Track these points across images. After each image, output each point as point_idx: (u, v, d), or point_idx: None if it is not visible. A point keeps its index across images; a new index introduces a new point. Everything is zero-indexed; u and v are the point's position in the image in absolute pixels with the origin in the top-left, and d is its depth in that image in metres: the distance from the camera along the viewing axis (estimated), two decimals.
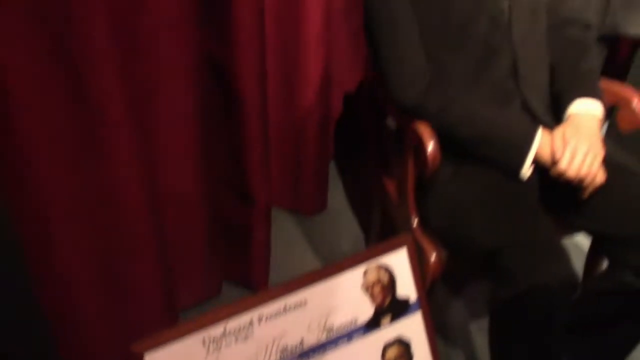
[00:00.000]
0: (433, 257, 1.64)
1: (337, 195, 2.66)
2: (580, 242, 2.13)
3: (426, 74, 1.60)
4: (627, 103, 1.71)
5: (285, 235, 2.44)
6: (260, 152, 1.99)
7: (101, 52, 1.48)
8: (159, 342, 1.27)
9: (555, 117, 1.66)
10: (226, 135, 1.97)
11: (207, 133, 1.91)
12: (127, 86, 1.50)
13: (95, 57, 1.48)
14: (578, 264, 1.85)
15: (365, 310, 1.49)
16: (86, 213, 1.52)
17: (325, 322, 1.45)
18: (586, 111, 1.57)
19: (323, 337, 1.45)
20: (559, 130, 1.54)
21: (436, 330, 1.61)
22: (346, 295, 1.47)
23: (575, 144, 1.48)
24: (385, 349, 1.53)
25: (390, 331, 1.53)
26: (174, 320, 1.91)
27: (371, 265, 1.50)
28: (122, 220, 1.59)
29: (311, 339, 1.43)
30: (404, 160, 1.70)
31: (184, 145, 1.81)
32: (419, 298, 1.55)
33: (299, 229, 2.49)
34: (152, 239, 1.68)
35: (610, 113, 1.81)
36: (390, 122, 1.90)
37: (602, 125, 1.61)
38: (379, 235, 2.13)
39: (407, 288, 1.54)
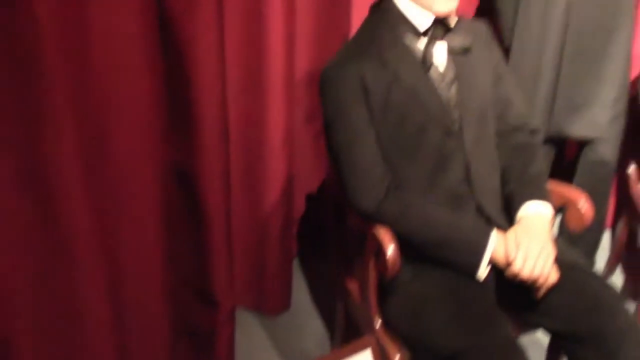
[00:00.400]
0: (396, 359, 1.66)
1: (301, 295, 2.67)
2: (540, 339, 2.17)
3: (384, 180, 1.67)
4: (574, 204, 1.80)
5: (249, 335, 2.43)
6: (225, 256, 2.02)
7: (67, 161, 1.52)
8: None
9: (508, 218, 1.73)
10: (191, 239, 2.00)
11: (172, 238, 1.94)
12: (92, 196, 1.53)
13: (62, 166, 1.52)
14: None
15: None
16: (49, 326, 1.51)
17: None
18: (536, 213, 1.66)
19: None
20: (511, 233, 1.61)
21: None
22: None
23: (528, 245, 1.55)
24: None
25: None
26: None
27: None
28: (85, 336, 1.57)
29: None
30: (366, 262, 1.74)
31: (149, 252, 1.83)
32: None
33: (263, 329, 2.48)
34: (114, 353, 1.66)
35: (560, 213, 1.90)
36: (352, 224, 1.95)
37: (552, 225, 1.69)
38: (343, 335, 2.14)
39: None
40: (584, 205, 1.78)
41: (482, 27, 1.83)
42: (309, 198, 2.61)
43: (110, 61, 1.68)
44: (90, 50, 1.63)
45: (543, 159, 1.88)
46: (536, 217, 1.65)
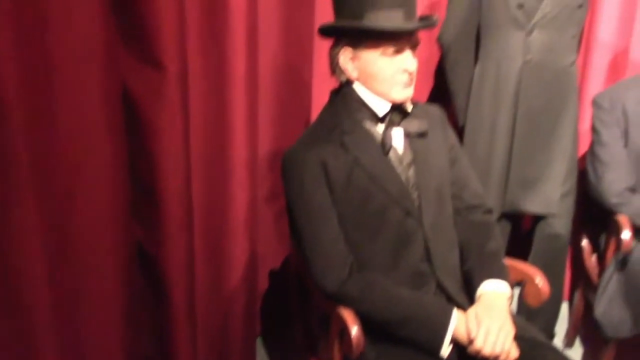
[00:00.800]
0: None
1: None
2: None
3: (347, 261, 1.70)
4: (532, 279, 1.85)
5: None
6: (187, 335, 2.01)
7: (30, 246, 1.52)
8: None
9: (467, 295, 1.78)
10: (153, 319, 1.99)
11: (133, 318, 1.92)
12: (54, 289, 1.52)
13: (25, 252, 1.52)
14: None
15: None
16: None
17: None
18: (495, 291, 1.71)
19: None
20: (472, 310, 1.65)
21: None
22: None
23: (488, 323, 1.59)
24: None
25: None
26: None
27: None
28: None
29: None
30: (330, 342, 1.75)
31: (109, 332, 1.81)
32: None
33: None
34: None
35: (518, 286, 1.95)
36: (316, 303, 1.97)
37: (511, 301, 1.74)
38: None
39: None
40: (540, 281, 1.84)
41: (437, 111, 1.92)
42: (273, 275, 2.62)
43: (74, 146, 1.71)
44: (54, 136, 1.65)
45: (500, 234, 1.94)
46: (495, 295, 1.70)
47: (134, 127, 1.77)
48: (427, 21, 1.72)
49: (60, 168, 1.65)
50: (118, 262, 1.82)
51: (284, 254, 2.61)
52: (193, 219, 1.99)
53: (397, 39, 1.66)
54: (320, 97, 2.40)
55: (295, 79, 2.37)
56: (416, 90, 1.80)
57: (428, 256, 1.75)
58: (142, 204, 1.88)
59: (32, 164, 1.53)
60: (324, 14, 2.29)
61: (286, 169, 1.78)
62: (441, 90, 2.66)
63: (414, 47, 1.71)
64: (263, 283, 2.59)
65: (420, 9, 2.46)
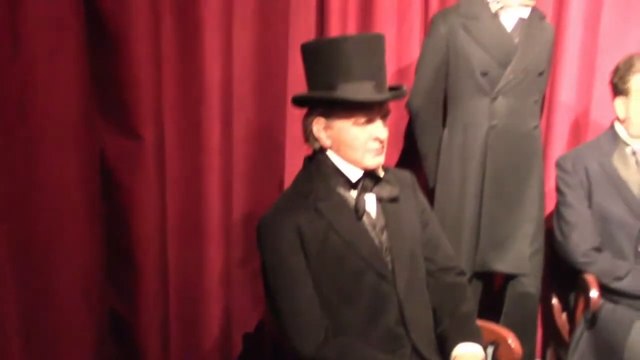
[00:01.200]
0: None
1: None
2: None
3: (322, 325, 1.72)
4: (504, 340, 1.89)
5: None
6: None
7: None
8: None
9: (442, 358, 1.80)
10: None
11: None
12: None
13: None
14: None
15: None
16: None
17: None
18: (469, 353, 1.74)
19: None
20: None
21: None
22: None
23: None
24: None
25: None
26: None
27: None
28: None
29: None
30: None
31: None
32: None
33: None
34: None
35: (491, 346, 1.97)
36: None
37: None
38: None
39: None
40: (513, 342, 1.88)
41: (407, 176, 1.97)
42: (247, 339, 2.60)
43: (50, 214, 1.72)
44: (31, 202, 1.67)
45: (472, 296, 1.98)
46: (469, 357, 1.73)
47: (111, 195, 1.80)
48: (397, 92, 1.79)
49: (37, 236, 1.66)
50: (92, 329, 1.81)
51: (258, 317, 2.61)
52: (168, 285, 1.99)
53: (369, 109, 1.73)
54: (293, 161, 2.45)
55: (268, 144, 2.42)
56: (386, 151, 1.86)
57: (403, 319, 1.78)
58: (118, 270, 1.88)
59: (8, 233, 1.54)
60: (296, 80, 2.36)
61: (262, 236, 1.80)
62: (410, 152, 2.72)
63: (384, 116, 1.78)
64: (237, 346, 2.57)
65: (390, 75, 2.55)
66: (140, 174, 1.77)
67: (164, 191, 1.86)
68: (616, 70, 2.35)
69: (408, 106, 2.52)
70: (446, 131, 2.52)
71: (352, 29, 2.61)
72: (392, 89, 1.83)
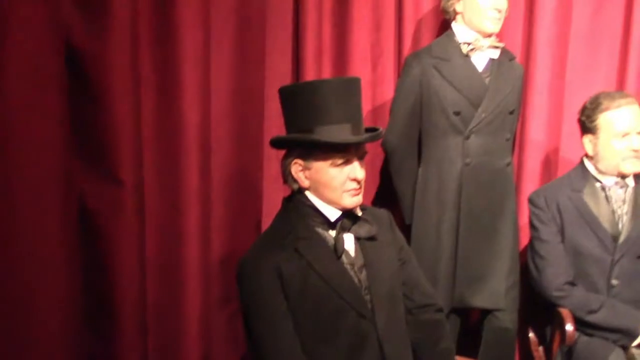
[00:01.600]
0: None
1: None
2: None
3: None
4: None
5: None
6: None
7: None
8: None
9: None
10: None
11: None
12: None
13: None
14: None
15: None
16: None
17: None
18: None
19: None
20: None
21: None
22: None
23: None
24: None
25: None
26: None
27: None
28: None
29: None
30: None
31: None
32: None
33: None
34: None
35: None
36: None
37: None
38: None
39: None
40: None
41: (385, 214, 2.01)
42: None
43: (28, 258, 1.71)
44: (8, 247, 1.66)
45: (450, 332, 2.00)
46: None
47: (91, 240, 1.80)
48: (373, 134, 1.84)
49: (14, 282, 1.65)
50: None
51: (237, 357, 2.59)
52: (148, 329, 1.98)
53: (346, 150, 1.77)
54: (270, 201, 2.48)
55: (246, 185, 2.44)
56: (364, 190, 1.89)
57: (383, 357, 1.79)
58: (96, 316, 1.87)
59: None
60: (273, 122, 2.40)
61: (242, 277, 1.81)
62: (387, 189, 2.76)
63: (361, 157, 1.81)
64: None
65: (364, 114, 2.60)
66: (120, 218, 1.78)
67: (144, 235, 1.87)
68: (583, 109, 2.42)
69: (384, 145, 2.57)
70: (421, 168, 2.57)
71: (327, 70, 2.67)
72: (368, 130, 1.88)
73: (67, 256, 1.77)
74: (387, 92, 2.75)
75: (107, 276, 1.81)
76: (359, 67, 2.69)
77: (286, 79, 2.51)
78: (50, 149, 1.70)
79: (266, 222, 2.37)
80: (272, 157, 2.39)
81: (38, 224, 1.70)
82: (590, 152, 2.41)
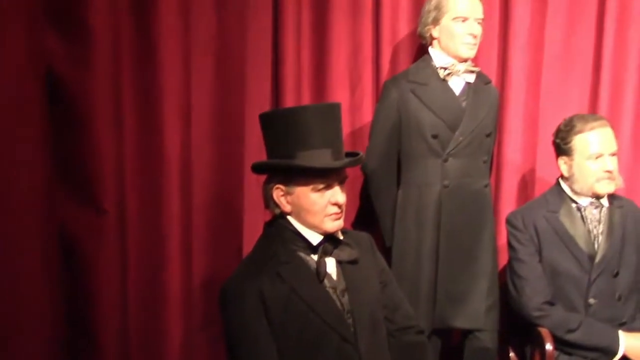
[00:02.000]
0: None
1: None
2: None
3: None
4: None
5: None
6: None
7: None
8: None
9: None
10: None
11: None
12: None
13: None
14: None
15: None
16: None
17: None
18: None
19: None
20: None
21: None
22: None
23: None
24: None
25: None
26: None
27: None
28: None
29: None
30: None
31: None
32: None
33: None
34: None
35: None
36: None
37: None
38: None
39: None
40: None
41: (365, 238, 2.03)
42: None
43: (9, 290, 1.70)
44: None
45: (431, 354, 2.01)
46: None
47: (72, 267, 1.79)
48: (354, 159, 1.86)
49: None
50: None
51: None
52: (130, 356, 1.97)
53: (327, 175, 1.79)
54: (251, 226, 2.49)
55: (227, 210, 2.46)
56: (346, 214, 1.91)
57: None
58: (79, 342, 1.86)
59: None
60: (253, 147, 2.42)
61: (224, 301, 1.82)
62: (367, 212, 2.78)
63: (342, 181, 1.84)
64: None
65: (343, 137, 2.63)
66: (103, 245, 1.78)
67: (126, 261, 1.87)
68: (558, 132, 2.47)
69: (363, 168, 2.59)
70: (401, 191, 2.59)
71: (306, 95, 2.70)
72: (349, 154, 1.90)
73: (49, 284, 1.76)
74: (366, 116, 2.79)
75: (89, 303, 1.80)
76: (338, 92, 2.72)
77: (266, 104, 2.54)
78: (30, 176, 1.70)
79: (247, 246, 2.38)
80: (253, 182, 2.41)
81: (18, 252, 1.69)
82: (565, 174, 2.46)
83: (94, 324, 1.82)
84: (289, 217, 1.86)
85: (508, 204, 2.82)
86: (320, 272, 1.83)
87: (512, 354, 2.62)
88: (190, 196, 2.20)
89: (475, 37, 2.48)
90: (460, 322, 2.55)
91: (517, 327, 2.57)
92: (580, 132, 2.39)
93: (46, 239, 1.71)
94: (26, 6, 1.71)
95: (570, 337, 2.35)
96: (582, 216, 2.46)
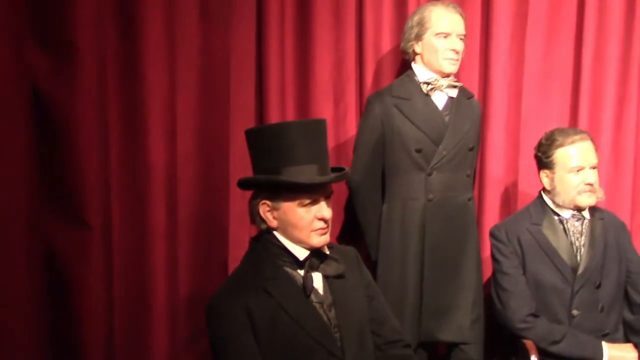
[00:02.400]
0: None
1: None
2: None
3: None
4: None
5: None
6: None
7: None
8: None
9: None
10: None
11: None
12: None
13: None
14: None
15: None
16: None
17: None
18: None
19: None
20: None
21: None
22: None
23: None
24: None
25: None
26: None
27: None
28: None
29: None
30: None
31: None
32: None
33: None
34: None
35: None
36: None
37: None
38: None
39: None
40: None
41: (351, 252, 2.04)
42: None
43: None
44: None
45: None
46: None
47: (57, 282, 1.78)
48: (339, 174, 1.88)
49: None
50: None
51: None
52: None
53: (313, 191, 1.80)
54: (236, 241, 2.49)
55: (212, 225, 2.46)
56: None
57: None
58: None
59: None
60: (238, 162, 2.43)
61: (211, 317, 1.82)
62: (352, 226, 2.80)
63: (328, 197, 1.85)
64: None
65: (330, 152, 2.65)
66: (88, 260, 1.77)
67: (111, 276, 1.86)
68: (539, 145, 2.51)
69: (348, 183, 2.61)
70: (386, 205, 2.61)
71: (290, 109, 2.72)
72: (334, 170, 1.92)
73: (33, 300, 1.75)
74: (350, 130, 2.81)
75: (74, 318, 1.79)
76: (322, 106, 2.74)
77: (250, 119, 2.55)
78: (15, 192, 1.69)
79: (233, 262, 2.39)
80: (238, 197, 2.41)
81: (2, 268, 1.68)
82: (547, 187, 2.49)
83: (79, 339, 1.81)
84: (275, 233, 1.87)
85: (491, 217, 2.85)
86: (307, 287, 1.83)
87: None
88: (176, 212, 2.20)
89: (457, 52, 2.52)
90: (446, 335, 2.57)
91: (502, 339, 2.59)
92: (561, 145, 2.42)
93: (31, 255, 1.70)
94: (11, 23, 1.71)
95: (555, 348, 2.37)
96: (564, 228, 2.49)
